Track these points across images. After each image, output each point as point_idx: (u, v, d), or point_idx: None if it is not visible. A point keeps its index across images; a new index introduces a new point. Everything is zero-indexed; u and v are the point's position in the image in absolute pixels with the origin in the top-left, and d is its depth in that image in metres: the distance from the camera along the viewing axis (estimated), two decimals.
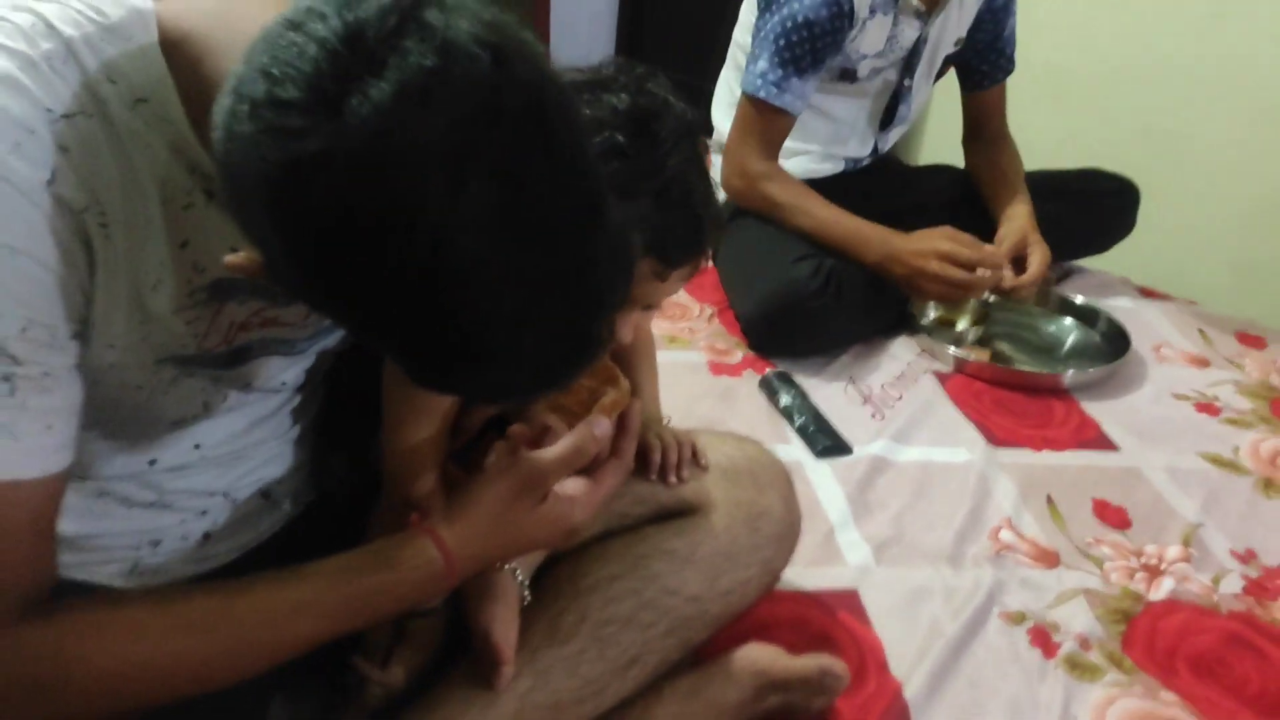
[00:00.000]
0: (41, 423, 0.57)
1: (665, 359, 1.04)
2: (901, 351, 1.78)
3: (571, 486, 0.74)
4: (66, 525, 0.65)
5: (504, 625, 0.80)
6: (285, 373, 0.77)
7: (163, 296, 0.62)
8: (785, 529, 1.01)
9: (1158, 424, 1.61)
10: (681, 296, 1.96)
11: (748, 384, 1.66)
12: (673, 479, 0.96)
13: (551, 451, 0.72)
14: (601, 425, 0.74)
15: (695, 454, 0.98)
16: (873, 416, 1.58)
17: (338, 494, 0.88)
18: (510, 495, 0.71)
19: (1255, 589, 1.25)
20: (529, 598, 0.84)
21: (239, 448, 0.78)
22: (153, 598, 0.64)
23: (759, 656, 0.94)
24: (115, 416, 0.66)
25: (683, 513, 0.95)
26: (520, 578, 0.83)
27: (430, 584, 0.69)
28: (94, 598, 0.63)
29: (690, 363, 1.72)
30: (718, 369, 1.71)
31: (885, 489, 1.39)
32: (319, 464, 0.87)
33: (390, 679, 0.81)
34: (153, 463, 0.72)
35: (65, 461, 0.60)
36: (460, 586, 0.81)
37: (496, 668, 0.79)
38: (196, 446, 0.74)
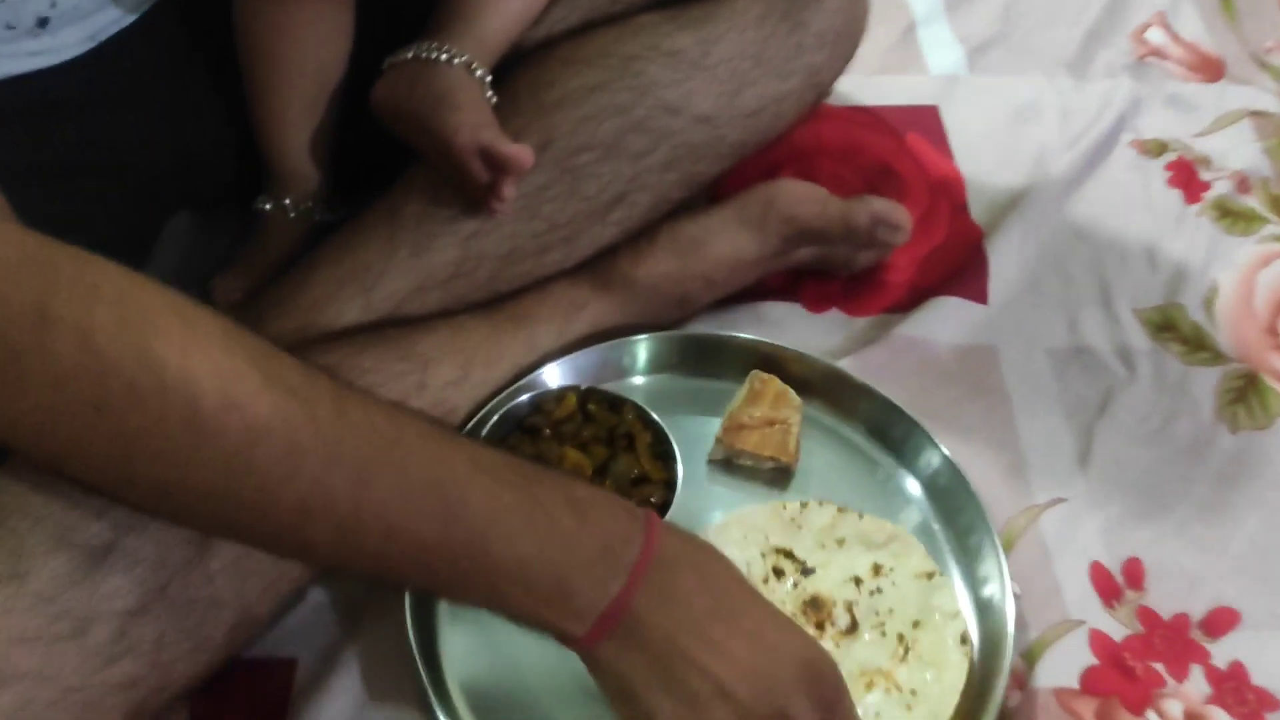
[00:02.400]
0: None
1: None
2: None
3: None
4: None
5: (493, 130, 0.69)
6: None
7: None
8: (843, 24, 0.85)
9: None
10: None
11: None
12: None
13: None
14: None
15: None
16: None
17: None
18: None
19: None
20: (494, 98, 0.73)
21: None
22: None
23: (791, 196, 0.82)
24: None
25: None
26: (480, 73, 0.71)
27: (618, 526, 0.54)
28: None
29: None
30: None
31: None
32: None
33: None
34: None
35: None
36: (413, 104, 0.72)
37: (502, 179, 0.69)
38: None
